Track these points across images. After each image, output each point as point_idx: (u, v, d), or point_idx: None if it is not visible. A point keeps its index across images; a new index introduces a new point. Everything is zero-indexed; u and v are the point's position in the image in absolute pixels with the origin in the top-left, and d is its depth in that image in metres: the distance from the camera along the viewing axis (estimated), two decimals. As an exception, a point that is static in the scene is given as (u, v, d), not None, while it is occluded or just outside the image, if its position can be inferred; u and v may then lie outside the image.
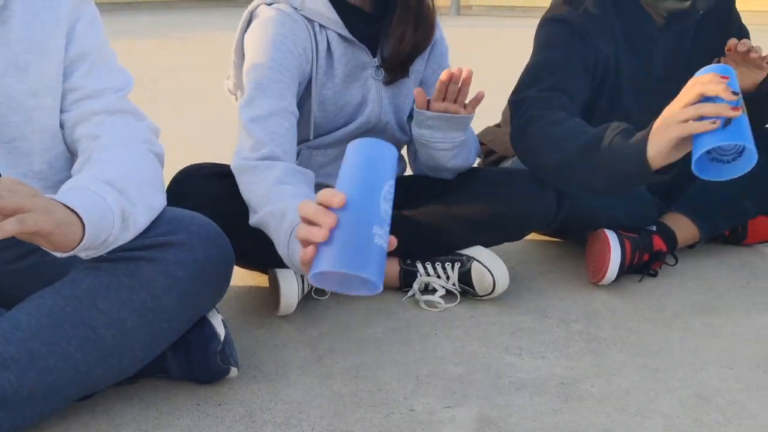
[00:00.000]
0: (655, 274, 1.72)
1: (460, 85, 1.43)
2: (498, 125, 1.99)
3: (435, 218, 1.57)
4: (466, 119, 1.49)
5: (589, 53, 1.64)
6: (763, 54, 1.61)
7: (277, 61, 1.40)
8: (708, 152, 1.27)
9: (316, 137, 1.53)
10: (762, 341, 1.42)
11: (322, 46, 1.46)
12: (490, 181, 1.59)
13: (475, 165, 1.68)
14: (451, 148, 1.52)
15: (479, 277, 1.55)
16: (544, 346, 1.41)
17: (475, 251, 1.58)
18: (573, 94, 1.60)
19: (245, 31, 1.48)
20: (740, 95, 1.25)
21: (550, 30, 1.67)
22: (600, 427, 1.15)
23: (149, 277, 1.05)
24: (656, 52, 1.70)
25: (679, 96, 1.30)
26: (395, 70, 1.53)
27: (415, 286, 1.59)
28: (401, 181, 1.69)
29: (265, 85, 1.39)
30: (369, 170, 0.89)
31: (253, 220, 1.29)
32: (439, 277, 1.58)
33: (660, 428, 1.15)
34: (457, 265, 1.57)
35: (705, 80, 1.27)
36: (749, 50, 1.58)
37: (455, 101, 1.45)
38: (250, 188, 1.30)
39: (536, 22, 1.76)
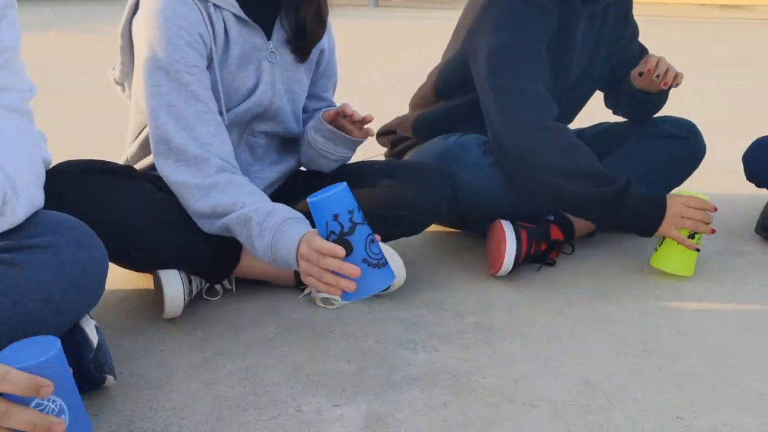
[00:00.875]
0: (552, 264, 1.77)
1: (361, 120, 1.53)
2: (406, 114, 2.00)
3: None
4: (356, 142, 1.60)
5: (549, 28, 1.69)
6: (669, 79, 1.78)
7: (179, 61, 1.36)
8: None
9: None
10: (648, 326, 1.48)
11: (219, 27, 1.43)
12: (385, 174, 1.60)
13: (377, 157, 1.69)
14: (336, 160, 1.60)
15: (375, 271, 1.56)
16: (438, 339, 1.42)
17: (372, 246, 1.58)
18: (545, 76, 1.68)
19: (133, 14, 1.44)
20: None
21: (510, 7, 1.67)
22: (487, 419, 1.17)
23: (9, 281, 1.01)
24: (575, 27, 1.76)
25: (690, 200, 1.63)
26: (297, 52, 1.53)
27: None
28: (294, 176, 1.69)
29: (177, 91, 1.35)
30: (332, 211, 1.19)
31: (220, 222, 1.35)
32: (335, 273, 1.58)
33: (547, 416, 1.18)
34: (354, 261, 1.56)
35: (705, 205, 1.63)
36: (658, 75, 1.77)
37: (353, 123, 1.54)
38: (209, 200, 1.35)
39: (457, 13, 1.78)
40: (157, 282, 1.43)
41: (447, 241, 1.94)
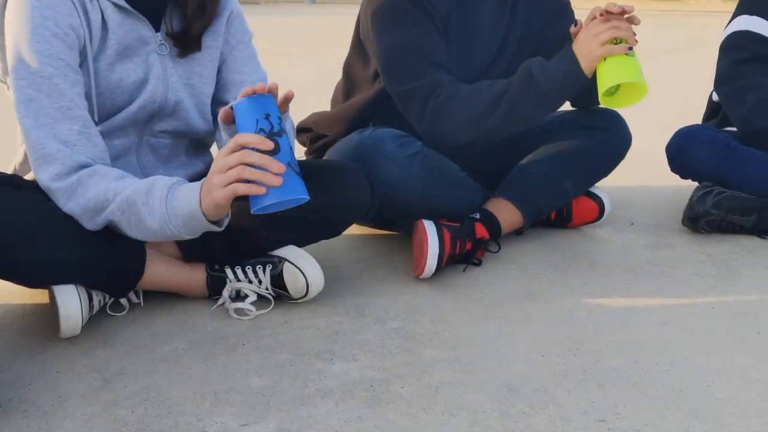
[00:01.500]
0: (479, 263, 1.74)
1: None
2: (325, 111, 1.96)
3: (242, 218, 1.50)
4: None
5: (435, 18, 1.68)
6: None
7: (43, 53, 1.29)
8: None
9: (101, 121, 1.42)
10: (574, 324, 1.46)
11: (95, 17, 1.35)
12: (298, 175, 1.55)
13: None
14: None
15: (292, 279, 1.51)
16: (357, 348, 1.38)
17: (287, 251, 1.53)
18: (444, 63, 1.69)
19: (5, 8, 1.36)
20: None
21: (392, 6, 1.67)
22: (404, 430, 1.13)
23: None
24: (480, 10, 1.74)
25: (591, 26, 1.58)
26: (188, 44, 1.46)
27: (225, 293, 1.53)
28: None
29: (39, 84, 1.28)
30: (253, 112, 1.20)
31: (101, 217, 1.30)
32: (250, 281, 1.53)
33: (465, 425, 1.15)
34: (268, 268, 1.52)
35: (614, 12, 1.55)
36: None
37: None
38: (78, 199, 1.29)
39: None
40: (52, 299, 1.35)
41: (372, 243, 1.90)
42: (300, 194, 1.21)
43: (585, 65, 1.58)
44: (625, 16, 1.58)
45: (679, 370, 1.29)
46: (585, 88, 1.62)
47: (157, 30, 1.43)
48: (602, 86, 1.55)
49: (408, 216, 1.71)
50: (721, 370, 1.29)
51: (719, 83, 1.96)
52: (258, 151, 1.19)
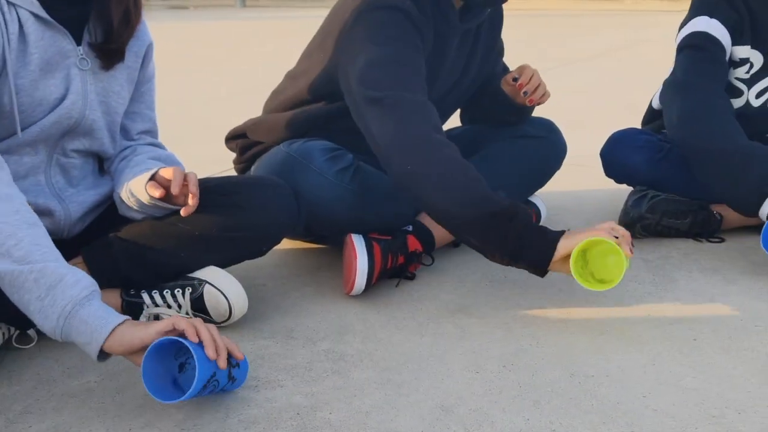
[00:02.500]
0: (412, 277, 1.73)
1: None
2: (260, 116, 1.92)
3: (158, 238, 1.47)
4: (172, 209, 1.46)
5: (423, 41, 1.65)
6: (535, 97, 1.81)
7: None
8: None
9: (9, 136, 1.37)
10: (509, 338, 1.46)
11: (13, 28, 1.29)
12: (220, 193, 1.52)
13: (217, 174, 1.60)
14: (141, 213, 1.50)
15: (214, 302, 1.47)
16: (284, 373, 1.35)
17: (208, 273, 1.49)
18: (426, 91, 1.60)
19: None
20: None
21: (383, 18, 1.61)
22: (331, 460, 1.11)
23: None
24: (449, 42, 1.73)
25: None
26: (113, 55, 1.42)
27: (142, 319, 1.48)
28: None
29: None
30: None
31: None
32: (169, 306, 1.48)
33: (396, 451, 1.13)
34: (188, 291, 1.48)
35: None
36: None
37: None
38: None
39: (324, 12, 1.72)
40: (-52, 335, 1.29)
41: (301, 259, 1.87)
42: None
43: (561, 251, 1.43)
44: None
45: (616, 382, 1.30)
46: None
47: (78, 43, 1.39)
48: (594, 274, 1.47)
49: (338, 232, 1.69)
50: (658, 381, 1.30)
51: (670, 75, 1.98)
52: None
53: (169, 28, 8.43)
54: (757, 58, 1.89)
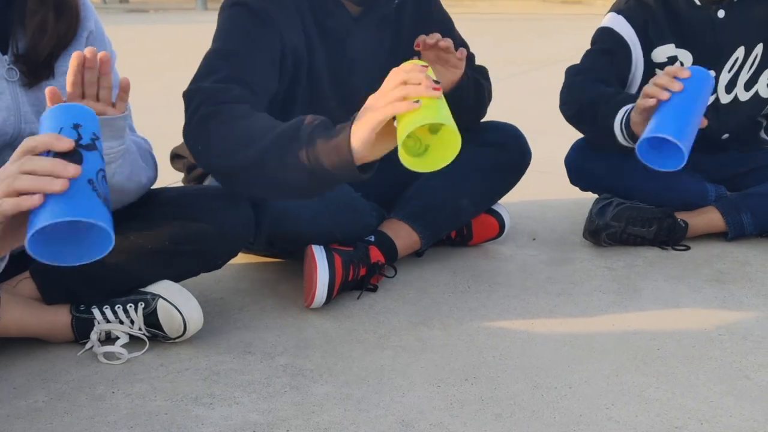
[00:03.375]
0: (374, 289, 1.74)
1: (97, 73, 1.26)
2: None
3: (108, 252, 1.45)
4: (116, 121, 1.30)
5: (274, 41, 1.61)
6: (452, 47, 1.67)
7: None
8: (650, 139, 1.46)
9: None
10: (471, 350, 1.47)
11: None
12: (173, 204, 1.51)
13: (161, 184, 1.59)
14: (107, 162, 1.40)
15: (167, 317, 1.47)
16: (240, 389, 1.35)
17: (162, 287, 1.49)
18: (254, 86, 1.53)
19: None
20: (440, 84, 1.28)
21: (230, 15, 1.62)
22: (288, 479, 1.11)
23: None
24: (350, 41, 1.72)
25: (382, 86, 1.30)
26: (37, 69, 1.38)
27: (93, 336, 1.47)
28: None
29: None
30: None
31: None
32: (121, 322, 1.48)
33: (355, 468, 1.13)
34: (140, 306, 1.47)
35: (406, 68, 1.29)
36: (437, 42, 1.63)
37: (97, 98, 1.29)
38: None
39: None
40: None
41: (259, 271, 1.87)
42: (92, 217, 0.97)
43: (362, 135, 1.27)
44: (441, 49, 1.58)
45: (579, 394, 1.32)
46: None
47: (5, 53, 1.37)
48: (399, 145, 1.22)
49: (298, 244, 1.69)
50: (621, 392, 1.32)
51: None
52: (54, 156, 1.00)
53: (126, 31, 8.37)
54: (686, 57, 1.94)
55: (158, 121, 3.55)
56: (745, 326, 1.55)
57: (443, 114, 1.22)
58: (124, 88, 1.30)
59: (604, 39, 1.98)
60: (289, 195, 1.52)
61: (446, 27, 1.89)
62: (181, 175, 1.91)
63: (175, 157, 1.90)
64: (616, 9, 1.99)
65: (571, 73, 2.00)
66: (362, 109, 1.30)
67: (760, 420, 1.23)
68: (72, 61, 1.24)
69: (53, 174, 0.96)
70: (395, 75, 1.29)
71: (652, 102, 1.60)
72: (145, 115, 3.84)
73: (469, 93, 1.79)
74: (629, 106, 1.75)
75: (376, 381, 1.37)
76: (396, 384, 1.36)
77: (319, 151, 1.31)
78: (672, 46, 1.94)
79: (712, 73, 1.63)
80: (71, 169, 0.97)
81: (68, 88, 1.25)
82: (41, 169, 0.97)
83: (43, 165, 0.97)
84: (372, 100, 1.30)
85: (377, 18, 1.74)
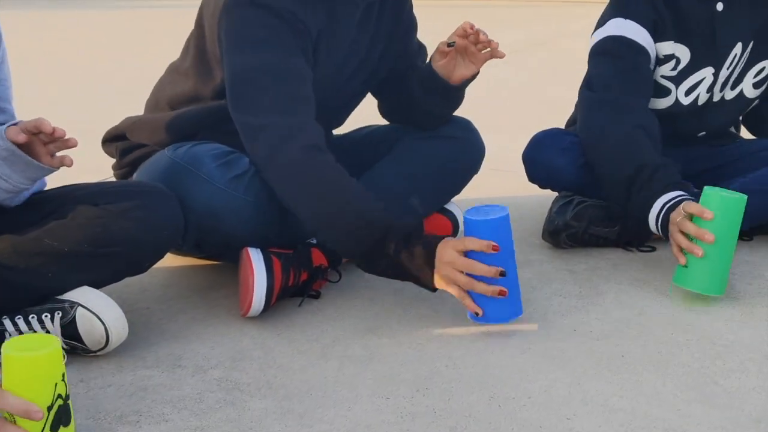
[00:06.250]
0: (317, 295, 1.75)
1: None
2: (142, 115, 1.90)
3: (20, 256, 1.45)
4: (44, 172, 1.44)
5: (306, 41, 1.66)
6: (489, 39, 1.75)
7: None
8: None
9: None
10: (423, 360, 1.49)
11: None
12: (91, 202, 1.50)
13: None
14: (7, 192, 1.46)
15: (88, 327, 1.46)
16: (170, 406, 1.35)
17: (81, 294, 1.48)
18: (303, 90, 1.64)
19: None
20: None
21: (252, 19, 1.62)
22: (223, 501, 1.11)
23: None
24: (353, 21, 1.76)
25: (459, 243, 1.52)
26: None
27: (4, 350, 1.45)
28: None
29: None
30: None
31: None
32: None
33: (297, 488, 1.14)
34: (57, 316, 1.46)
35: (481, 246, 1.50)
36: (478, 33, 1.72)
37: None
38: None
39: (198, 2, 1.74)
40: None
41: (192, 278, 1.86)
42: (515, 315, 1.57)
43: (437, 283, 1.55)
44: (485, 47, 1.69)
45: (538, 404, 1.35)
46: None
47: None
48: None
49: (230, 248, 1.69)
50: (583, 401, 1.36)
51: (587, 86, 2.02)
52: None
53: (40, 17, 8.25)
54: (683, 53, 1.99)
55: (68, 116, 3.50)
56: (713, 330, 1.60)
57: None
58: (69, 145, 1.40)
59: (621, 53, 1.94)
60: (337, 240, 1.62)
61: (414, 28, 1.98)
62: (112, 160, 1.90)
63: (109, 139, 1.88)
64: (622, 13, 1.96)
65: (607, 104, 1.94)
66: (440, 265, 1.52)
67: (729, 428, 1.28)
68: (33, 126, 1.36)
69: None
70: (471, 243, 1.52)
71: (682, 261, 1.68)
72: (53, 108, 3.80)
73: (462, 90, 1.90)
74: (667, 203, 1.75)
75: (319, 394, 1.38)
76: (342, 397, 1.37)
77: (402, 269, 1.55)
78: (671, 42, 1.97)
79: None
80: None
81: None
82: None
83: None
84: (448, 259, 1.51)
85: (367, 2, 1.79)
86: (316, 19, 1.68)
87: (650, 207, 1.77)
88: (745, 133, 2.26)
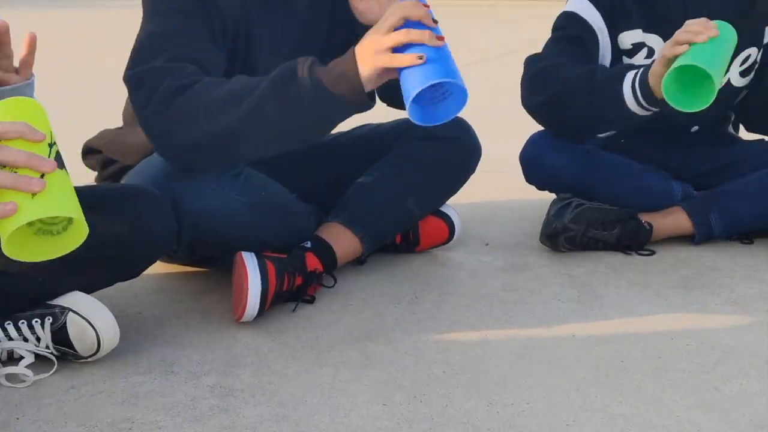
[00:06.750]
0: (312, 300, 1.75)
1: None
2: (120, 128, 1.90)
3: (9, 260, 1.43)
4: (22, 89, 1.38)
5: (213, 19, 1.62)
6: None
7: None
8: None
9: None
10: (420, 365, 1.50)
11: None
12: (85, 205, 1.49)
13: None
14: None
15: (79, 333, 1.46)
16: (163, 413, 1.35)
17: (72, 300, 1.48)
18: (204, 64, 1.58)
19: None
20: (438, 24, 1.44)
21: None
22: None
23: None
24: (299, 5, 1.74)
25: (381, 20, 1.44)
26: None
27: (-8, 357, 1.45)
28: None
29: None
30: None
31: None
32: (25, 339, 1.46)
33: (293, 496, 1.14)
34: (48, 321, 1.46)
35: (407, 5, 1.43)
36: None
37: None
38: None
39: None
40: None
41: (185, 283, 1.86)
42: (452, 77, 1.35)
43: (367, 73, 1.43)
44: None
45: (537, 411, 1.35)
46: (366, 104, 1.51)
47: None
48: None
49: (225, 251, 1.69)
50: (582, 407, 1.36)
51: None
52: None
53: (39, 17, 8.25)
54: (655, 42, 1.99)
55: (52, 120, 3.50)
56: (713, 335, 1.60)
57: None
58: (31, 49, 1.31)
59: (570, 25, 2.02)
60: (284, 143, 1.58)
61: None
62: (93, 174, 1.90)
63: (89, 152, 1.88)
64: None
65: (534, 61, 2.02)
66: (365, 44, 1.43)
67: (730, 434, 1.29)
68: None
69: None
70: (395, 10, 1.42)
71: (683, 48, 1.68)
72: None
73: None
74: (636, 71, 1.80)
75: (315, 401, 1.39)
76: (337, 403, 1.38)
77: (325, 81, 1.44)
78: (639, 31, 1.99)
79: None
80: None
81: None
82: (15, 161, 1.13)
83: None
84: (373, 35, 1.43)
85: None
86: (234, 3, 1.65)
87: (620, 82, 1.83)
88: (743, 133, 2.26)
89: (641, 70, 1.82)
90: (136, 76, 1.55)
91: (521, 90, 2.02)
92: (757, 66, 2.06)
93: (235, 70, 1.68)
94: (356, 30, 1.82)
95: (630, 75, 1.84)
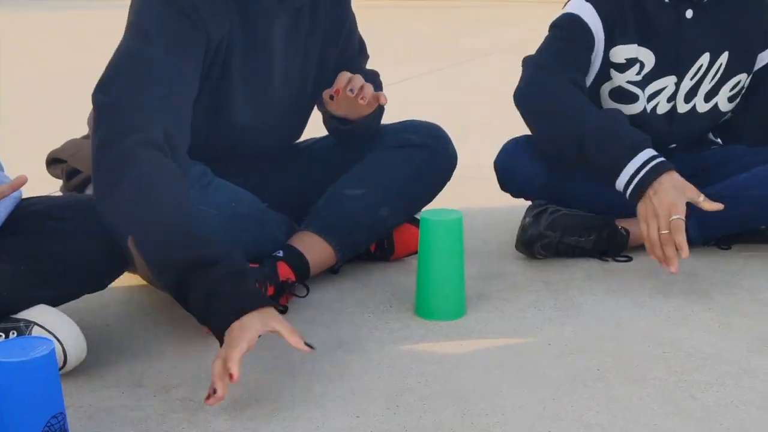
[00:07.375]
0: (284, 310, 1.76)
1: None
2: (86, 136, 1.90)
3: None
4: None
5: (200, 46, 1.64)
6: (366, 95, 1.77)
7: None
8: None
9: None
10: (394, 376, 1.51)
11: None
12: (45, 215, 1.50)
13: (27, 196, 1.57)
14: None
15: (44, 347, 1.45)
16: (131, 427, 1.35)
17: (37, 313, 1.47)
18: (179, 112, 1.60)
19: None
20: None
21: (154, 9, 1.62)
22: None
23: None
24: (271, 26, 1.75)
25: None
26: None
27: (-45, 372, 1.44)
28: None
29: None
30: None
31: None
32: (-12, 354, 1.45)
33: None
34: (12, 335, 1.45)
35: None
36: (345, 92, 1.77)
37: None
38: None
39: None
40: None
41: (153, 294, 1.86)
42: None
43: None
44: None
45: (512, 421, 1.36)
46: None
47: None
48: None
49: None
50: (558, 417, 1.37)
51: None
52: None
53: (39, 17, 8.22)
54: (647, 57, 2.01)
55: (29, 122, 3.48)
56: (690, 343, 1.62)
57: None
58: (10, 190, 1.38)
59: (570, 27, 2.00)
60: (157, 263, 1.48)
61: (354, 26, 1.98)
62: (59, 182, 1.89)
63: (53, 162, 1.87)
64: None
65: (531, 64, 2.01)
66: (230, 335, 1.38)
67: (706, 442, 1.30)
68: None
69: None
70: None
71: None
72: (13, 113, 3.76)
73: (376, 120, 1.95)
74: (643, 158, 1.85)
75: (287, 414, 1.39)
76: (310, 416, 1.38)
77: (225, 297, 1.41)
78: (634, 46, 2.00)
79: None
80: None
81: None
82: None
83: None
84: (236, 333, 1.38)
85: (295, 6, 1.78)
86: (222, 24, 1.67)
87: (620, 168, 1.86)
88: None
89: (648, 171, 1.84)
90: (104, 106, 1.55)
91: (517, 92, 2.02)
92: (743, 91, 2.09)
93: (206, 86, 1.69)
94: (330, 53, 1.88)
95: (633, 165, 1.85)
